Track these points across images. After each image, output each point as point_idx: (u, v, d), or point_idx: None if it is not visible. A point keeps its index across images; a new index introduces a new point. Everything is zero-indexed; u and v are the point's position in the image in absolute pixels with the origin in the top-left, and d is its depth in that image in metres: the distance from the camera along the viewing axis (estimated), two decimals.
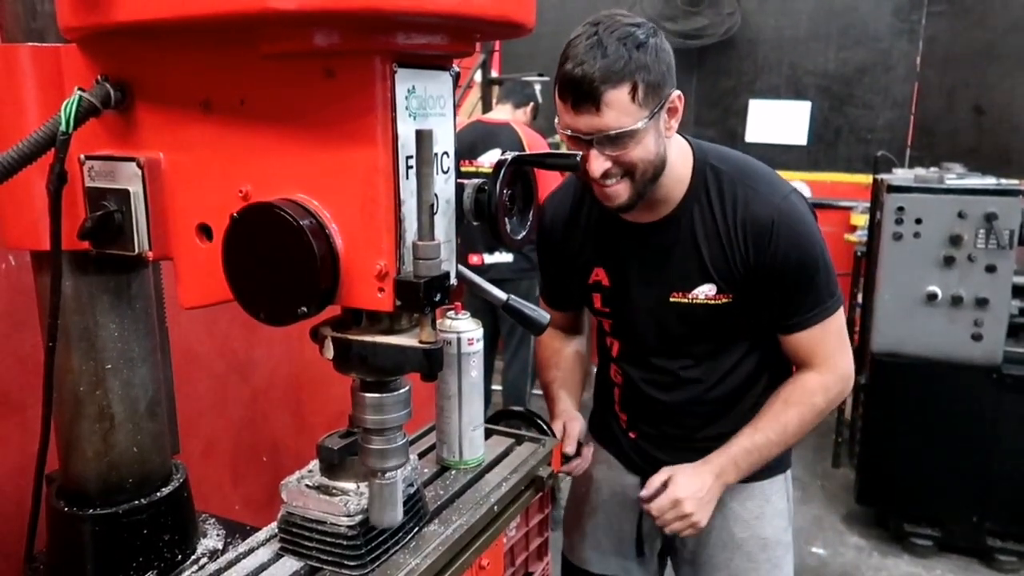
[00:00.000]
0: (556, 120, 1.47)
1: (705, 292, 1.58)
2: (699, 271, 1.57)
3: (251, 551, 1.11)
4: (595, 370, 1.91)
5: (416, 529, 1.12)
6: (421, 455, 1.37)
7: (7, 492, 1.27)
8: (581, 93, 1.35)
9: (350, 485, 1.07)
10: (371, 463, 0.99)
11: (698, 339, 1.66)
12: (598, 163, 1.40)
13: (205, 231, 0.97)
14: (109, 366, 1.14)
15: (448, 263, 0.93)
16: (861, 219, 4.68)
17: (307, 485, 1.07)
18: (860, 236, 4.46)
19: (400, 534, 1.09)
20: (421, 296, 0.85)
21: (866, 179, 4.46)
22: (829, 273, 1.58)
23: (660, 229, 1.59)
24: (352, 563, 1.02)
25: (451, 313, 1.29)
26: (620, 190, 1.45)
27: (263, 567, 1.07)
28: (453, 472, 1.31)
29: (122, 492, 1.16)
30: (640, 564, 1.88)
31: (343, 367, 0.96)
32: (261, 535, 1.13)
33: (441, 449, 1.33)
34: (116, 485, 1.16)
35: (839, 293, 1.61)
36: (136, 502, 1.16)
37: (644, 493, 1.62)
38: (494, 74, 5.32)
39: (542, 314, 1.14)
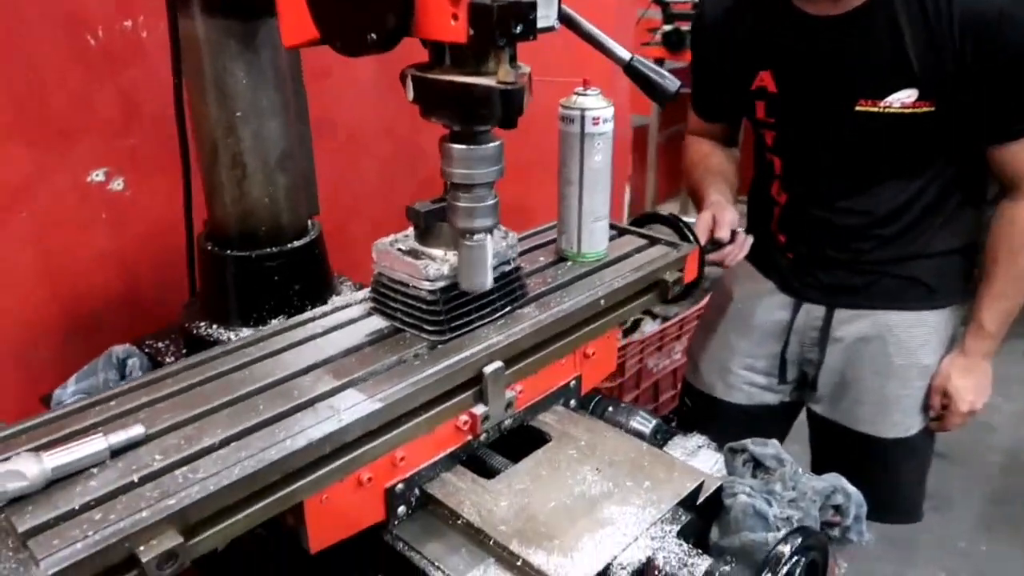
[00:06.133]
0: None
1: (901, 99, 1.33)
2: (898, 73, 1.32)
3: (347, 306, 1.12)
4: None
5: (508, 309, 1.06)
6: (541, 247, 1.29)
7: (172, 240, 1.37)
8: None
9: (438, 251, 1.01)
10: (458, 222, 0.93)
11: (882, 156, 1.42)
12: None
13: None
14: (239, 114, 1.15)
15: None
16: None
17: (399, 249, 1.03)
18: None
19: (487, 310, 1.03)
20: (494, 22, 0.73)
21: None
22: None
23: (850, 23, 1.34)
24: (431, 328, 0.99)
25: (579, 88, 1.15)
26: None
27: (352, 321, 1.07)
28: (568, 264, 1.22)
29: (256, 239, 1.22)
30: (774, 392, 1.75)
31: (425, 111, 0.89)
32: (359, 294, 1.13)
33: (560, 240, 1.24)
34: (251, 232, 1.21)
35: None
36: (268, 250, 1.21)
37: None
38: None
39: (671, 80, 0.97)
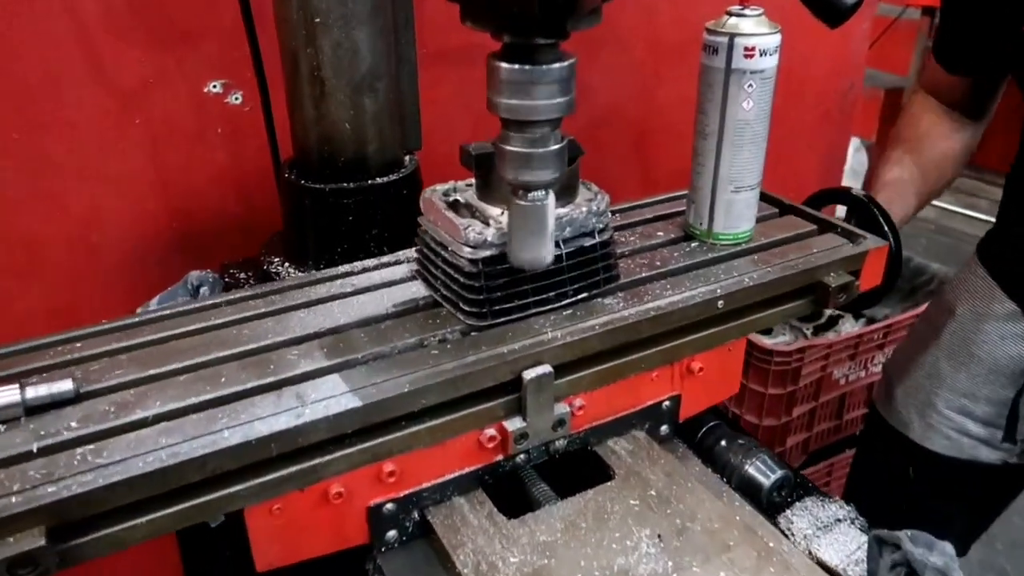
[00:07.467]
0: None
1: None
2: None
3: (397, 263, 0.91)
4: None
5: (584, 296, 0.80)
6: (668, 218, 0.99)
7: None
8: None
9: (495, 209, 0.77)
10: (509, 172, 0.68)
11: None
12: None
13: None
14: (318, 20, 0.98)
15: None
16: None
17: (452, 201, 0.80)
18: None
19: (551, 294, 0.78)
20: None
21: None
22: None
23: None
24: (467, 308, 0.76)
25: (736, 8, 0.83)
26: None
27: (388, 283, 0.86)
28: (693, 245, 0.92)
29: (334, 170, 1.06)
30: (994, 448, 1.30)
31: (464, 13, 0.64)
32: (412, 251, 0.92)
33: (688, 212, 0.93)
34: (329, 161, 1.06)
35: None
36: (345, 184, 1.05)
37: None
38: None
39: None
